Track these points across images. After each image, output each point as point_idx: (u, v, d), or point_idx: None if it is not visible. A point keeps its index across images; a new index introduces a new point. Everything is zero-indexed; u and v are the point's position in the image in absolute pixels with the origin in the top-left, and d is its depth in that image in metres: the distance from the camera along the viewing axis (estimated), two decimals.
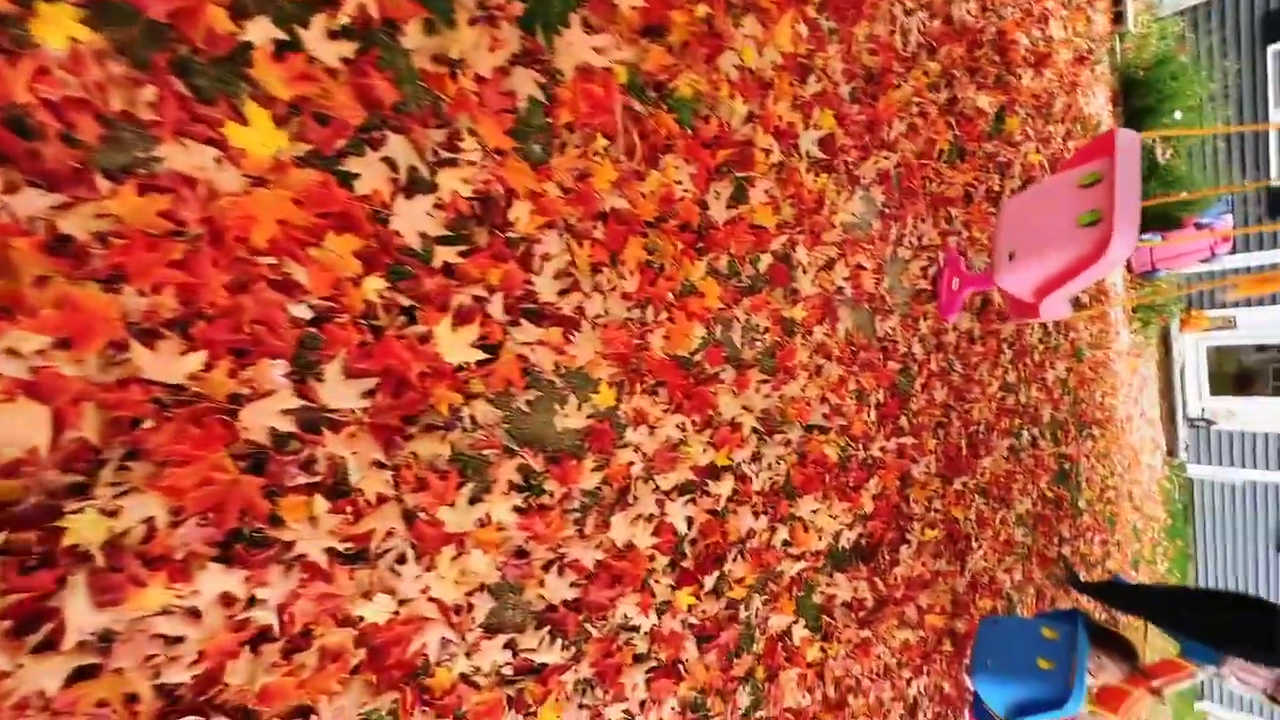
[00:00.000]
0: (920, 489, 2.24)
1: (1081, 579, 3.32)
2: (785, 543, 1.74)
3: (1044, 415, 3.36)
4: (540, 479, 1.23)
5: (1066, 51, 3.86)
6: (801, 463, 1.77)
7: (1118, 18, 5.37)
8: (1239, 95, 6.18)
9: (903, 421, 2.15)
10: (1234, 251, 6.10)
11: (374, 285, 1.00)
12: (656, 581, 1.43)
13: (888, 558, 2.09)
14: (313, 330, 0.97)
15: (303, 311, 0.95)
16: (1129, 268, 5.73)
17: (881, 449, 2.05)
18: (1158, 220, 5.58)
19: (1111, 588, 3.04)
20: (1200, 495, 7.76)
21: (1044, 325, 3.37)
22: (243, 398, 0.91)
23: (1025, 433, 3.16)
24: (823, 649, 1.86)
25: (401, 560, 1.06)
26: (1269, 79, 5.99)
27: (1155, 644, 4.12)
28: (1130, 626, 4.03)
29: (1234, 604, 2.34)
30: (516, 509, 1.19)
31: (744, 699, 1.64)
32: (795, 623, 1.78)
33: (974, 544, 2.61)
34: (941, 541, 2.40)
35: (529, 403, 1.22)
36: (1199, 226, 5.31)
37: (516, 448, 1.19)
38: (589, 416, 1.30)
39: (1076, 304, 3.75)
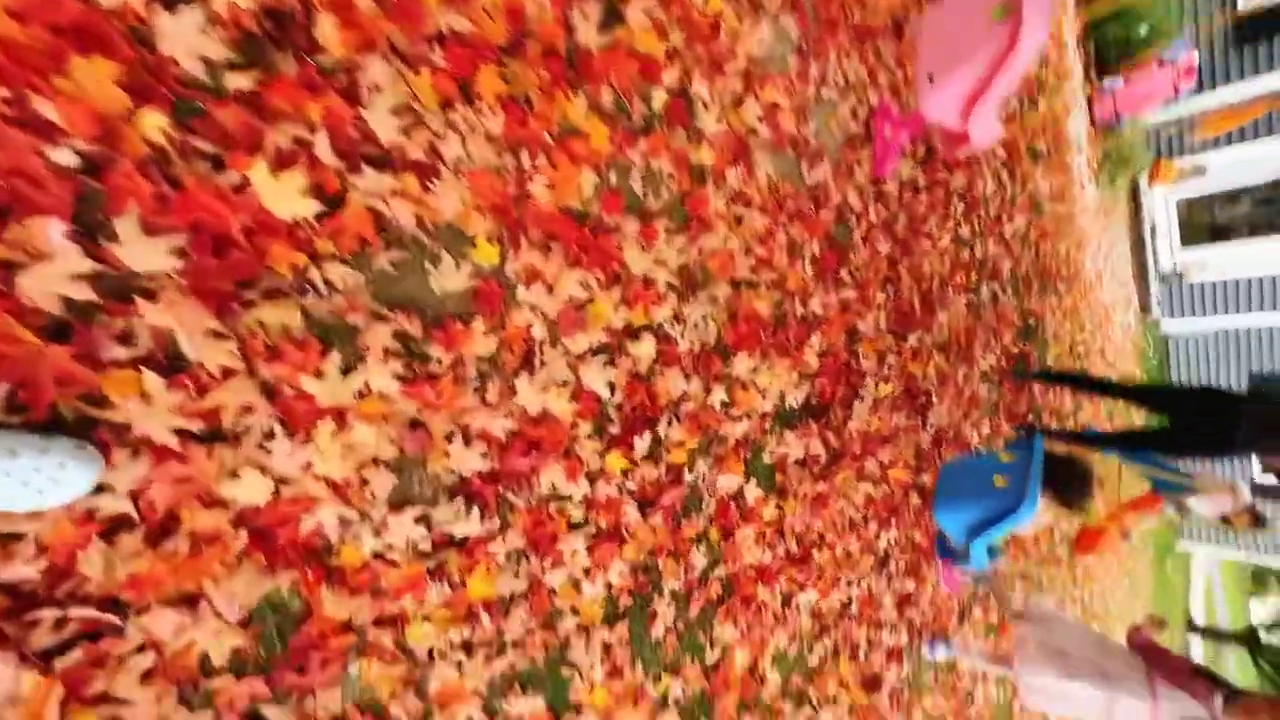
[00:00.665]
0: (870, 345, 2.19)
1: (1034, 371, 3.26)
2: (725, 404, 1.69)
3: (1004, 270, 3.29)
4: (422, 345, 1.14)
5: None
6: (732, 321, 1.70)
7: None
8: None
9: (844, 275, 2.06)
10: (1199, 89, 5.89)
11: (154, 123, 0.85)
12: (581, 448, 1.37)
13: (840, 415, 2.06)
14: (91, 182, 0.84)
15: (67, 158, 0.81)
16: (1091, 119, 5.53)
17: (822, 304, 1.97)
18: (1120, 58, 5.33)
19: (1073, 375, 2.98)
20: (1175, 350, 7.91)
21: (997, 176, 3.24)
22: (16, 264, 0.79)
23: (985, 288, 3.11)
24: (779, 507, 1.86)
25: (270, 437, 0.98)
26: None
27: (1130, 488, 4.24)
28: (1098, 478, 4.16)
29: (1198, 397, 2.36)
30: (399, 378, 1.10)
31: (700, 559, 1.64)
32: (746, 483, 1.76)
33: (935, 400, 2.60)
34: (899, 398, 2.38)
35: (395, 264, 1.11)
36: (1161, 64, 5.08)
37: (387, 312, 1.09)
38: (471, 276, 1.20)
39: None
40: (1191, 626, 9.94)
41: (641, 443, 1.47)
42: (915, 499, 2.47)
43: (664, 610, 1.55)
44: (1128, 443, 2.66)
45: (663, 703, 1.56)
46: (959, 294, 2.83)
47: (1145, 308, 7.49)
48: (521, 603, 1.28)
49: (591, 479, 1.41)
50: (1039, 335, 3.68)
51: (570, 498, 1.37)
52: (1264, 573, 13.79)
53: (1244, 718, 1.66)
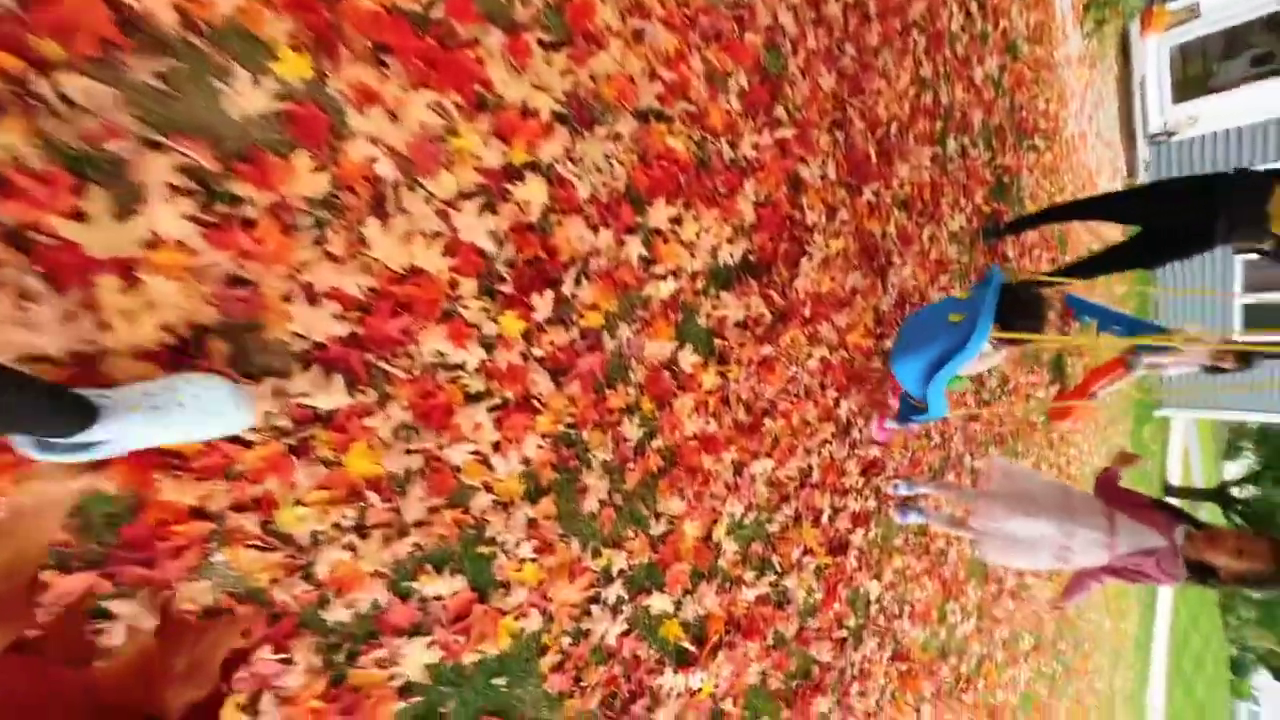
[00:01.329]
0: (817, 196, 1.98)
1: (1004, 226, 3.01)
2: (645, 260, 1.52)
3: (974, 120, 3.01)
4: (222, 182, 0.93)
5: None
6: (643, 162, 1.48)
7: None
8: None
9: (779, 113, 1.82)
10: None
11: None
12: (467, 309, 1.21)
13: (785, 273, 1.89)
14: None
15: None
16: None
17: (755, 146, 1.74)
18: None
19: (1042, 212, 2.78)
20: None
21: (965, 8, 2.87)
22: None
23: (952, 141, 2.85)
24: (721, 373, 1.73)
25: (27, 297, 0.80)
26: None
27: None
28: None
29: (1173, 196, 2.24)
30: (196, 221, 0.91)
31: (633, 430, 1.53)
32: (680, 348, 1.62)
33: (897, 261, 2.43)
34: (855, 256, 2.20)
35: (165, 78, 0.88)
36: None
37: (163, 139, 0.88)
38: (279, 97, 0.97)
39: None
40: (1168, 489, 10.44)
41: (543, 303, 1.31)
42: (878, 363, 2.36)
43: (595, 483, 1.46)
44: (1110, 260, 2.49)
45: (606, 576, 1.51)
46: (922, 145, 2.58)
47: (1132, 172, 7.17)
48: (418, 480, 1.17)
49: (487, 345, 1.25)
50: (1013, 193, 3.45)
51: (463, 366, 1.22)
52: (1236, 440, 14.36)
53: (1206, 545, 1.64)
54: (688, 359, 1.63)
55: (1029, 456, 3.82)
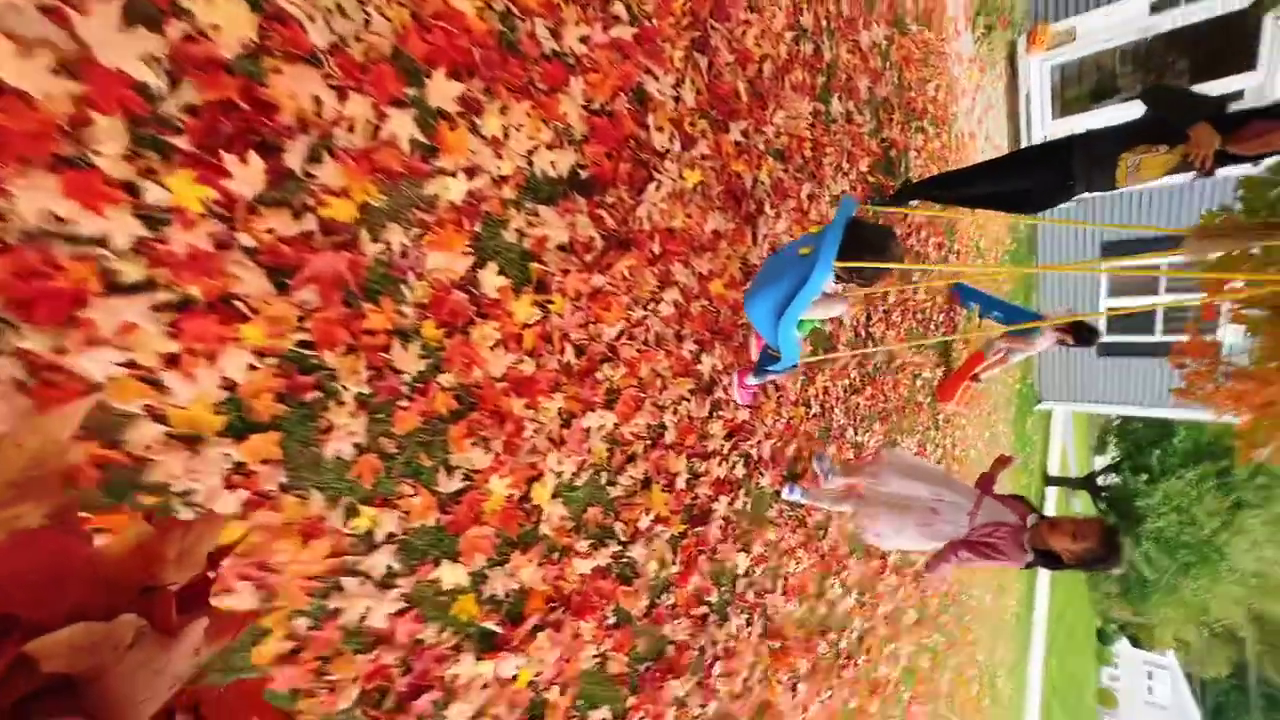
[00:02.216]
0: (667, 117, 1.77)
1: (890, 196, 3.15)
2: (425, 148, 1.22)
3: (860, 87, 2.96)
4: None
5: None
6: (418, 22, 1.19)
7: None
8: None
9: (618, 8, 1.58)
10: None
11: None
12: (105, 158, 0.86)
13: (628, 198, 1.67)
14: None
15: None
16: None
17: (585, 40, 1.50)
18: None
19: (931, 180, 2.96)
20: (1042, 234, 8.29)
21: None
22: None
23: (837, 102, 2.76)
24: (540, 304, 1.47)
25: None
26: None
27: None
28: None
29: (1036, 156, 2.48)
30: None
31: (410, 360, 1.23)
32: (479, 266, 1.34)
33: (770, 211, 2.29)
34: (719, 197, 2.02)
35: None
36: None
37: None
38: None
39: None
40: (1047, 479, 11.42)
41: (247, 173, 0.98)
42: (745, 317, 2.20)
43: (346, 422, 1.15)
44: (990, 200, 2.68)
45: (367, 541, 1.20)
46: (802, 96, 2.46)
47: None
48: (11, 398, 0.81)
49: (151, 219, 0.91)
50: (900, 170, 3.46)
51: (106, 242, 0.88)
52: (1104, 434, 16.07)
53: (1048, 530, 1.85)
54: (491, 280, 1.35)
55: (914, 434, 3.88)
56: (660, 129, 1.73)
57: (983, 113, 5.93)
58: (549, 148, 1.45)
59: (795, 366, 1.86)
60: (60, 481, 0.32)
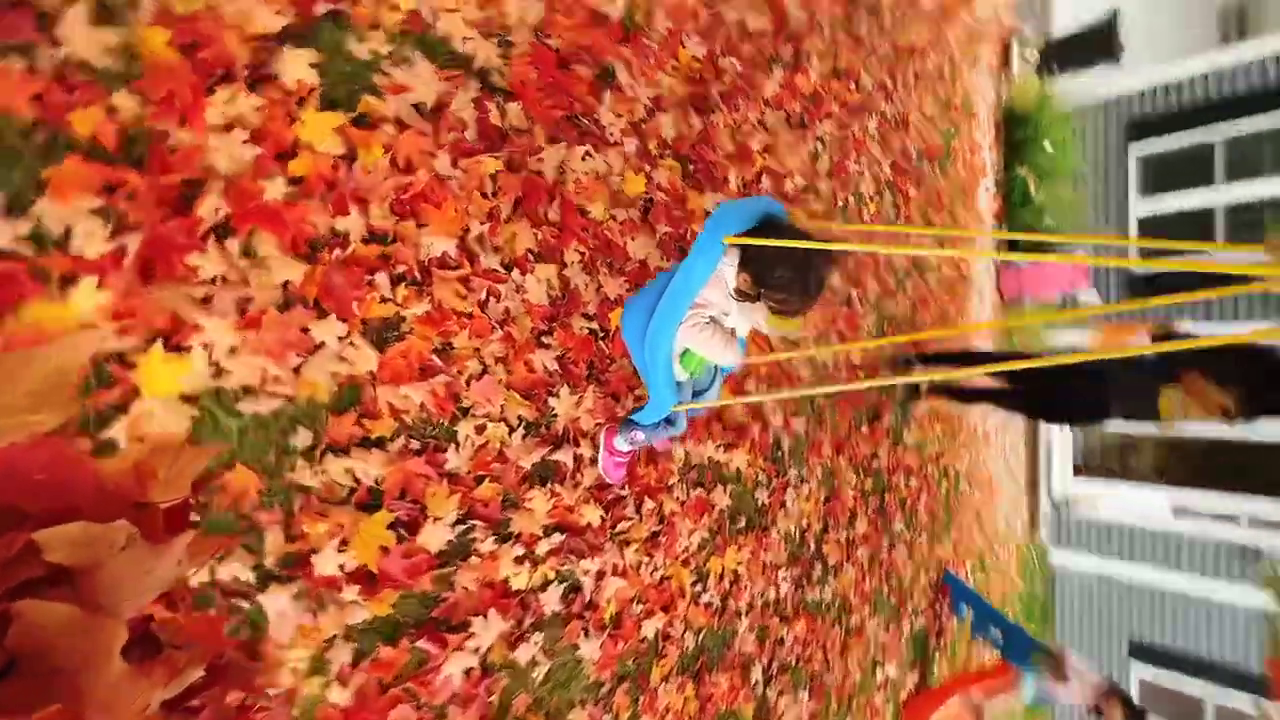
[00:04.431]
0: None
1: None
2: None
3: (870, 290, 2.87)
4: None
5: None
6: None
7: (1005, 61, 5.84)
8: (1105, 190, 6.72)
9: None
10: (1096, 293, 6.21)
11: None
12: None
13: (540, 138, 1.38)
14: None
15: None
16: (1000, 293, 5.73)
17: None
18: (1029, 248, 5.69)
19: (952, 355, 2.86)
20: (1061, 586, 7.39)
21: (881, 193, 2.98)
22: None
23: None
24: (345, 137, 1.08)
25: None
26: (1129, 174, 6.56)
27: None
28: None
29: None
30: None
31: None
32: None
33: None
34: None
35: None
36: (1061, 258, 5.42)
37: None
38: None
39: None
40: None
41: None
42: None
43: None
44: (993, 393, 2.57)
45: None
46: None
47: (1035, 524, 7.13)
48: None
49: None
50: (896, 421, 3.13)
51: None
52: None
53: None
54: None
55: None
56: None
57: (1004, 445, 5.75)
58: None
59: (669, 426, 1.27)
60: (75, 396, 0.42)
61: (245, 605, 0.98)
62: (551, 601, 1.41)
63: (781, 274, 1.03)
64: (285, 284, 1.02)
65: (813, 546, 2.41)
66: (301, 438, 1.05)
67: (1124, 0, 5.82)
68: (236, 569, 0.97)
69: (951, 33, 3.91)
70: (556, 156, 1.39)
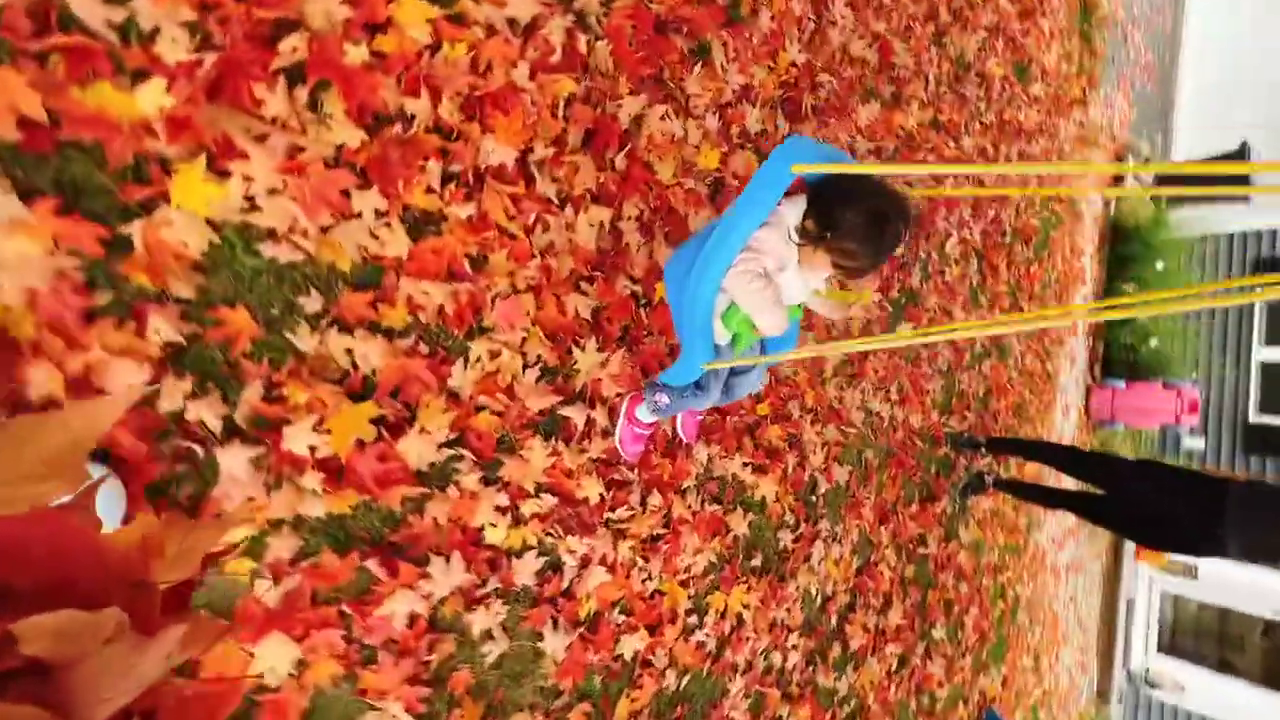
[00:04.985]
0: None
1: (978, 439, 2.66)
2: None
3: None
4: None
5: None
6: None
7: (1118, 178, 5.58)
8: (1224, 329, 6.10)
9: None
10: (1205, 433, 5.49)
11: None
12: None
13: (621, 90, 1.37)
14: None
15: None
16: (1088, 412, 5.18)
17: None
18: (1125, 370, 5.19)
19: (1029, 443, 2.72)
20: None
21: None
22: None
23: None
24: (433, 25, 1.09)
25: None
26: (1254, 315, 5.93)
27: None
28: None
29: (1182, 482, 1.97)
30: None
31: None
32: None
33: None
34: None
35: None
36: (1166, 386, 4.86)
37: None
38: None
39: None
40: None
41: None
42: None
43: None
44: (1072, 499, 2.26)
45: None
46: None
47: (1104, 695, 6.01)
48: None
49: None
50: (953, 524, 2.77)
51: None
52: None
53: None
54: None
55: None
56: None
57: (1077, 584, 5.03)
58: None
59: (699, 392, 1.13)
60: (85, 465, 0.33)
61: (200, 453, 0.90)
62: (524, 573, 1.24)
63: (853, 219, 0.91)
64: (340, 146, 1.01)
65: (834, 621, 2.07)
66: (312, 302, 1.00)
67: (1252, 130, 5.47)
68: (205, 413, 0.90)
69: (1063, 123, 3.78)
70: (635, 106, 1.37)
